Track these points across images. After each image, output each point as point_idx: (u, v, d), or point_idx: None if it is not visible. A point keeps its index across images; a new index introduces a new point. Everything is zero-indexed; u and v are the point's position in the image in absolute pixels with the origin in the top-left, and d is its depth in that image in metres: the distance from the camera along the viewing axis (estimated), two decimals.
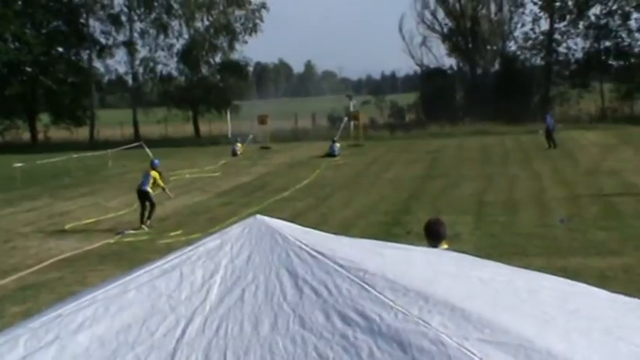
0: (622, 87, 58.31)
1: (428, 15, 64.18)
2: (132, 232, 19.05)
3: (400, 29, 65.98)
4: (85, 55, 66.03)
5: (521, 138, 42.18)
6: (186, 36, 64.31)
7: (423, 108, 61.94)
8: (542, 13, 60.46)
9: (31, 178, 32.10)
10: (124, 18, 64.40)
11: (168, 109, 64.49)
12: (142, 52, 65.07)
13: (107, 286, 3.67)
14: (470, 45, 62.91)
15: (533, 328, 3.13)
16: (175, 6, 62.80)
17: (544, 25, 60.88)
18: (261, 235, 3.84)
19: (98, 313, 3.40)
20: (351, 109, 50.73)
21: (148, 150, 43.08)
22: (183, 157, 40.68)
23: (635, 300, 3.88)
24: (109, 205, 24.25)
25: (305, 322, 3.22)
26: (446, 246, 7.35)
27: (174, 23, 64.00)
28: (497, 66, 64.23)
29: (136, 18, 64.29)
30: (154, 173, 20.26)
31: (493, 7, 63.75)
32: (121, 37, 64.75)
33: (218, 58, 65.41)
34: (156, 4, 62.84)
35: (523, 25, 61.80)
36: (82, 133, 63.55)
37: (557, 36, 60.60)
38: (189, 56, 63.46)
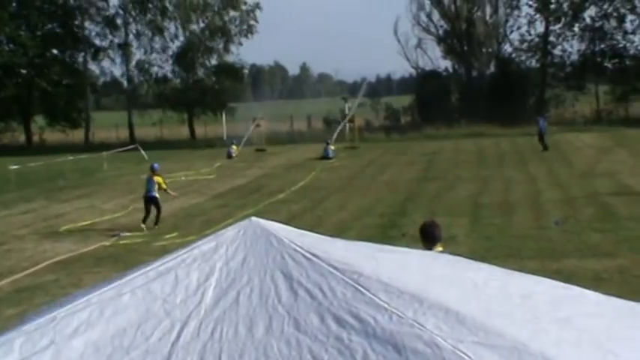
0: (617, 89, 58.37)
1: (423, 17, 64.30)
2: (127, 234, 19.04)
3: (395, 31, 66.05)
4: (80, 57, 66.00)
5: (517, 140, 42.24)
6: (181, 38, 64.46)
7: (419, 110, 61.97)
8: (537, 16, 60.59)
9: (26, 180, 32.03)
10: (119, 20, 64.49)
11: (163, 112, 64.41)
12: (137, 55, 65.24)
13: (102, 288, 3.67)
14: (465, 47, 62.97)
15: (526, 332, 3.13)
16: (170, 8, 62.82)
17: (539, 27, 61.06)
18: (256, 237, 3.84)
19: (93, 317, 3.40)
20: (347, 111, 50.73)
21: (143, 152, 43.04)
22: (178, 160, 40.66)
23: (629, 303, 3.88)
24: (105, 208, 24.23)
25: (300, 324, 3.23)
26: (441, 248, 7.36)
27: (170, 25, 64.16)
28: (492, 68, 64.31)
29: (131, 20, 64.34)
30: (157, 178, 20.35)
31: (488, 10, 63.88)
32: (116, 40, 64.90)
33: (214, 60, 65.53)
34: (151, 6, 62.87)
35: (519, 27, 62.04)
36: (77, 135, 63.41)
37: (552, 38, 60.74)
38: (184, 58, 63.45)
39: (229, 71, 64.79)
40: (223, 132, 55.94)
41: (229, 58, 65.21)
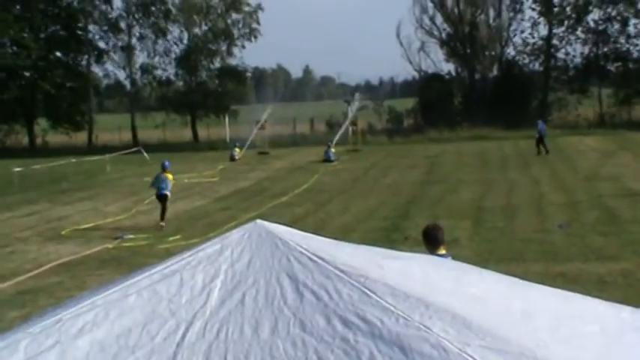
0: (620, 92, 58.29)
1: (426, 20, 64.25)
2: (130, 236, 19.06)
3: (398, 34, 66.12)
4: (83, 59, 66.08)
5: (520, 143, 42.20)
6: (185, 41, 64.59)
7: (422, 113, 61.91)
8: (540, 19, 60.63)
9: (29, 182, 32.09)
10: (122, 23, 64.58)
11: (166, 114, 64.47)
12: (141, 57, 65.40)
13: (107, 290, 3.67)
14: (468, 50, 62.92)
15: (531, 344, 3.11)
16: (173, 11, 62.96)
17: (543, 30, 61.14)
18: (262, 239, 3.83)
19: (98, 318, 3.40)
20: (349, 114, 50.73)
21: (146, 155, 43.08)
22: (181, 162, 40.60)
23: (634, 314, 3.77)
24: (108, 210, 24.25)
25: (305, 325, 3.22)
26: (444, 251, 7.36)
27: (173, 28, 64.31)
28: (495, 71, 64.19)
29: (134, 23, 64.46)
30: (169, 176, 20.61)
31: (492, 13, 63.85)
32: (119, 42, 64.96)
33: (217, 63, 65.62)
34: (154, 9, 63.00)
35: (522, 30, 62.07)
36: (80, 137, 63.49)
37: (555, 41, 60.71)
38: (187, 61, 63.56)
39: (232, 74, 64.87)
40: (226, 135, 56.02)
41: (232, 61, 65.46)
